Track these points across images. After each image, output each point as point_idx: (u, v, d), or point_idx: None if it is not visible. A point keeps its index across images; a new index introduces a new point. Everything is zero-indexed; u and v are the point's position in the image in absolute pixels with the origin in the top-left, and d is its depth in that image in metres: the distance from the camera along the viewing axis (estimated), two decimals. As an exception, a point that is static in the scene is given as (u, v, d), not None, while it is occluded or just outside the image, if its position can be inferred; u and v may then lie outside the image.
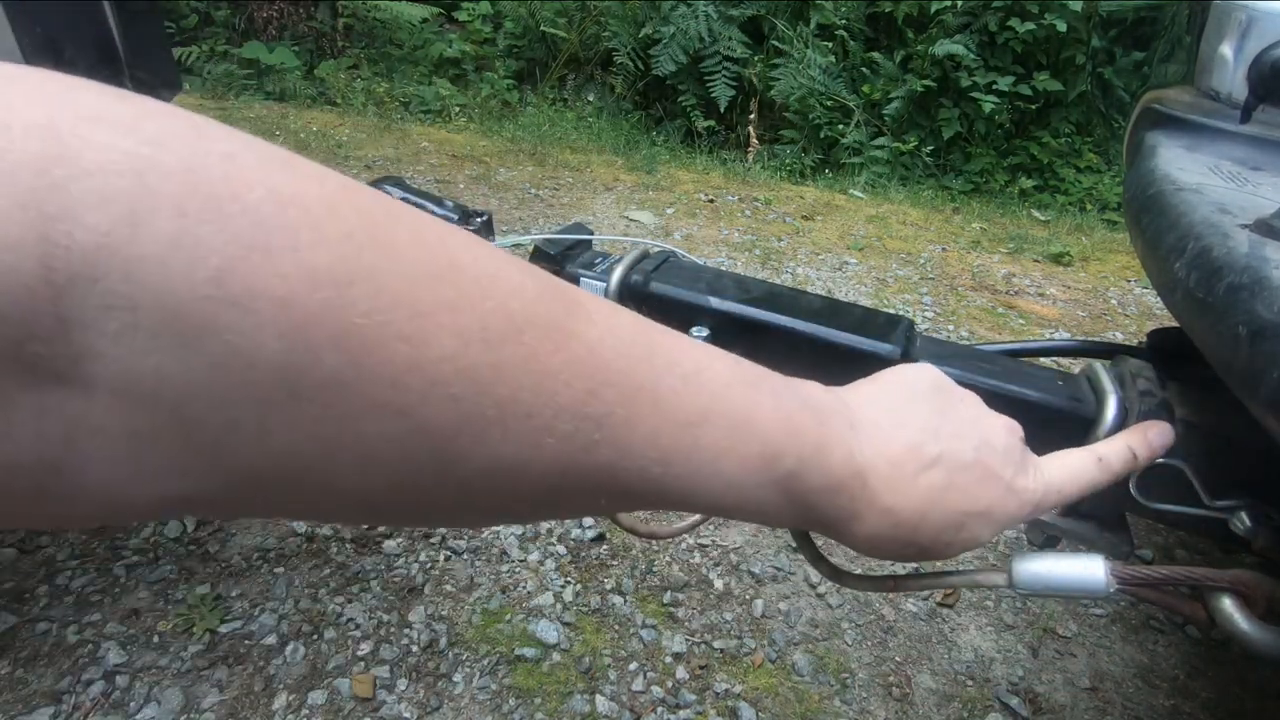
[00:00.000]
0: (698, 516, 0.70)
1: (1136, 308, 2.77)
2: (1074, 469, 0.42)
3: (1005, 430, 0.39)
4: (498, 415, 0.22)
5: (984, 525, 0.37)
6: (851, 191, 3.90)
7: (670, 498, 0.30)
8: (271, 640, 1.16)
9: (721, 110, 4.32)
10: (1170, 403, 0.56)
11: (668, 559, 1.39)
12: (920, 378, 0.39)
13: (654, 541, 1.43)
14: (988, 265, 3.03)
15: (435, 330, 0.21)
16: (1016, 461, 0.39)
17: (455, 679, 1.13)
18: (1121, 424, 0.57)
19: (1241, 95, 0.70)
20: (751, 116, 4.35)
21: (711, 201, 3.45)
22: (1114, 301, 2.80)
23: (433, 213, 0.73)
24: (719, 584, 1.35)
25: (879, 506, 0.34)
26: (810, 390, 0.35)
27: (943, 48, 3.86)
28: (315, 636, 1.17)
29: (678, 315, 0.67)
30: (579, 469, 0.25)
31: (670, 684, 1.16)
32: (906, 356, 0.62)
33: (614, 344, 0.26)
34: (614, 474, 0.26)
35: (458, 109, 4.40)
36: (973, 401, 0.40)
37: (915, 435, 0.35)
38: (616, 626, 1.25)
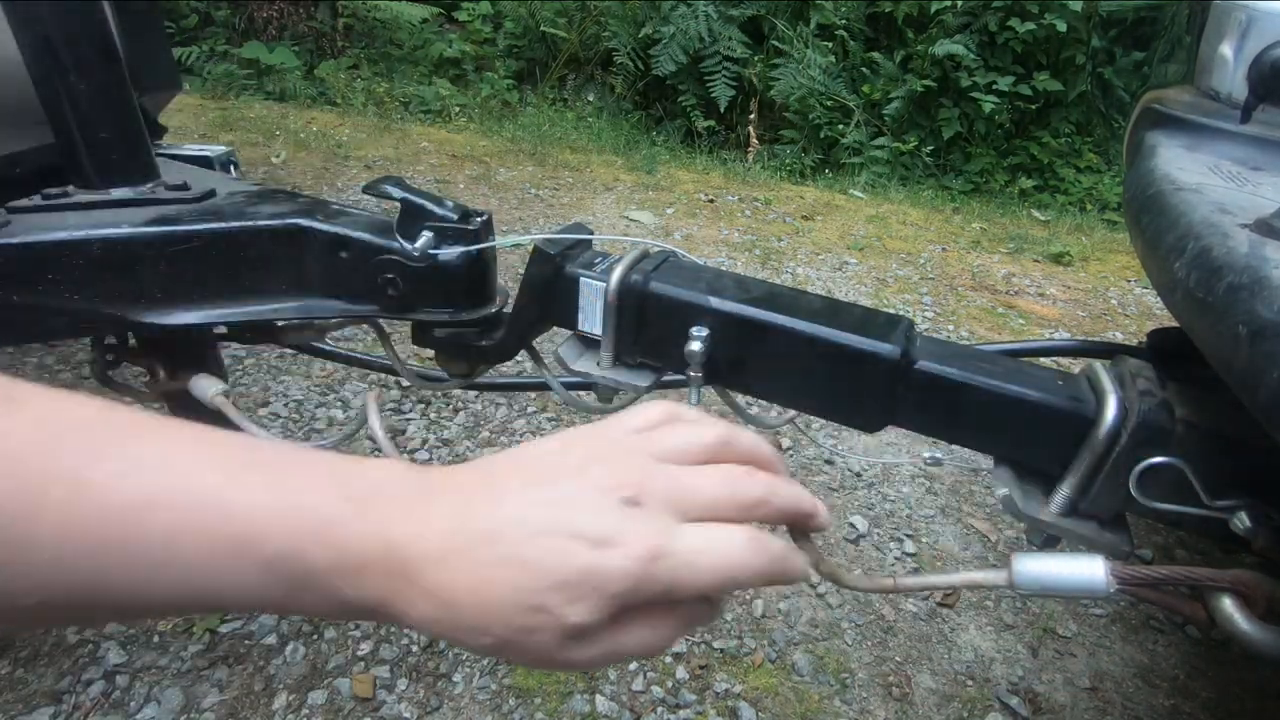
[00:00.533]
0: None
1: (1136, 308, 2.77)
2: (719, 546, 0.32)
3: (608, 489, 0.32)
4: None
5: (571, 601, 0.29)
6: (851, 191, 3.90)
7: (135, 593, 0.29)
8: (271, 640, 1.16)
9: (721, 110, 4.31)
10: (1170, 403, 0.56)
11: (668, 559, 1.39)
12: (547, 449, 0.34)
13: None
14: (988, 265, 3.03)
15: None
16: (612, 514, 0.31)
17: (455, 679, 1.13)
18: (1121, 424, 0.57)
19: (1241, 95, 0.70)
20: (751, 116, 4.35)
21: (711, 201, 3.45)
22: (1114, 301, 2.80)
23: (433, 213, 0.73)
24: (719, 584, 1.35)
25: (421, 586, 0.30)
26: (363, 469, 0.33)
27: (943, 48, 3.86)
28: (315, 636, 1.17)
29: (678, 315, 0.67)
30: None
31: (670, 684, 1.16)
32: (906, 356, 0.62)
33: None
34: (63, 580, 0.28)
35: (458, 109, 4.40)
36: (587, 466, 0.33)
37: (482, 508, 0.31)
38: (616, 626, 1.25)
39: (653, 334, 0.69)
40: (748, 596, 1.33)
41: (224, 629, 1.16)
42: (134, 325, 0.78)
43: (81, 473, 0.28)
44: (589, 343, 0.74)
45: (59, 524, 0.27)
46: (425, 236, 0.71)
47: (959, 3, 3.89)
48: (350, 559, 0.30)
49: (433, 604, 0.30)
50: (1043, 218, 3.77)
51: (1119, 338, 2.54)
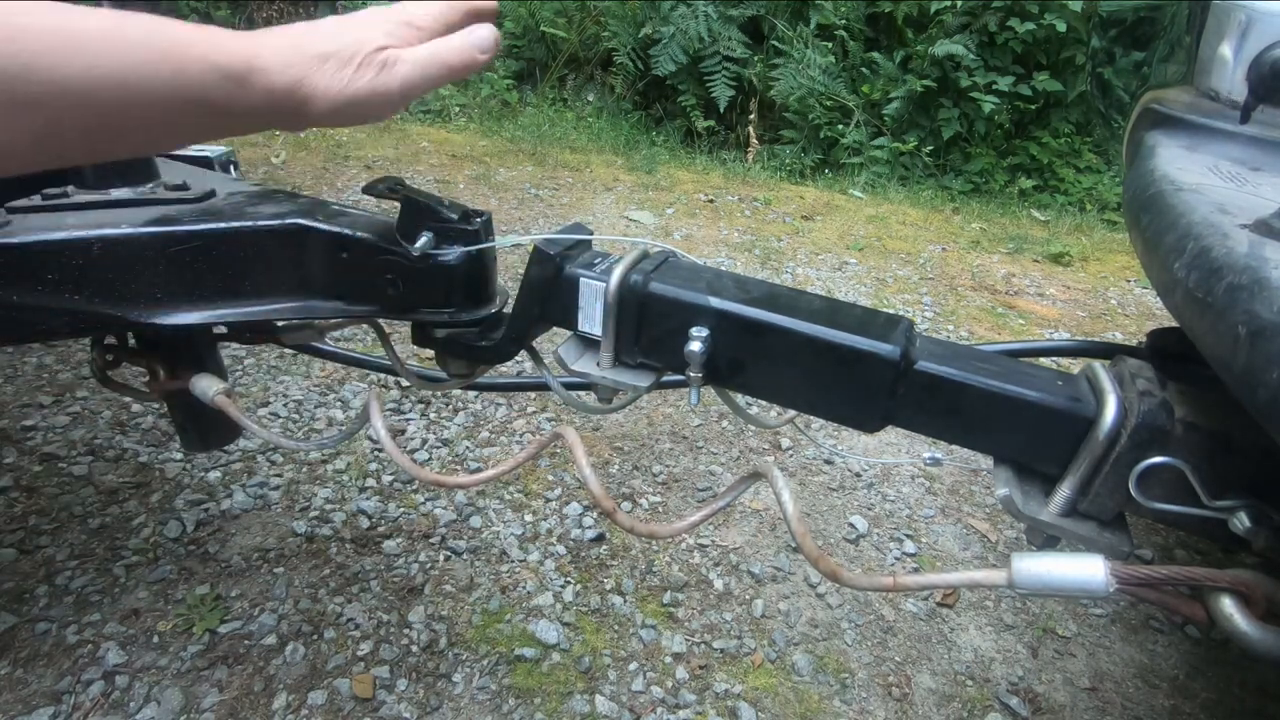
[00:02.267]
0: (697, 516, 0.70)
1: (1136, 308, 2.77)
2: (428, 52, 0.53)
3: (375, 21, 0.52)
4: None
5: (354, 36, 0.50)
6: (851, 191, 3.90)
7: (19, 80, 0.38)
8: (271, 640, 1.16)
9: (721, 110, 4.32)
10: (1170, 403, 0.56)
11: (667, 559, 1.39)
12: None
13: (653, 541, 1.43)
14: (987, 265, 3.03)
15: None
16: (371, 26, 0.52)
17: (455, 679, 1.13)
18: (1121, 424, 0.57)
19: (1241, 95, 0.70)
20: (751, 116, 4.35)
21: (711, 201, 3.45)
22: (1114, 301, 2.81)
23: (433, 213, 0.73)
24: (719, 584, 1.35)
25: (271, 45, 0.47)
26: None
27: (942, 48, 3.86)
28: (315, 636, 1.17)
29: (677, 315, 0.67)
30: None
31: (670, 684, 1.16)
32: (906, 357, 0.62)
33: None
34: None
35: (457, 109, 4.40)
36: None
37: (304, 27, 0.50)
38: (616, 626, 1.25)
39: (652, 334, 0.69)
40: (748, 596, 1.33)
41: (224, 629, 1.16)
42: (134, 325, 0.78)
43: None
44: (589, 343, 0.74)
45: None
46: (425, 237, 0.71)
47: (959, 3, 3.89)
48: (223, 46, 0.45)
49: (280, 58, 0.47)
50: (1042, 218, 3.77)
51: (1119, 338, 2.54)
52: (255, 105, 0.46)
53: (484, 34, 0.54)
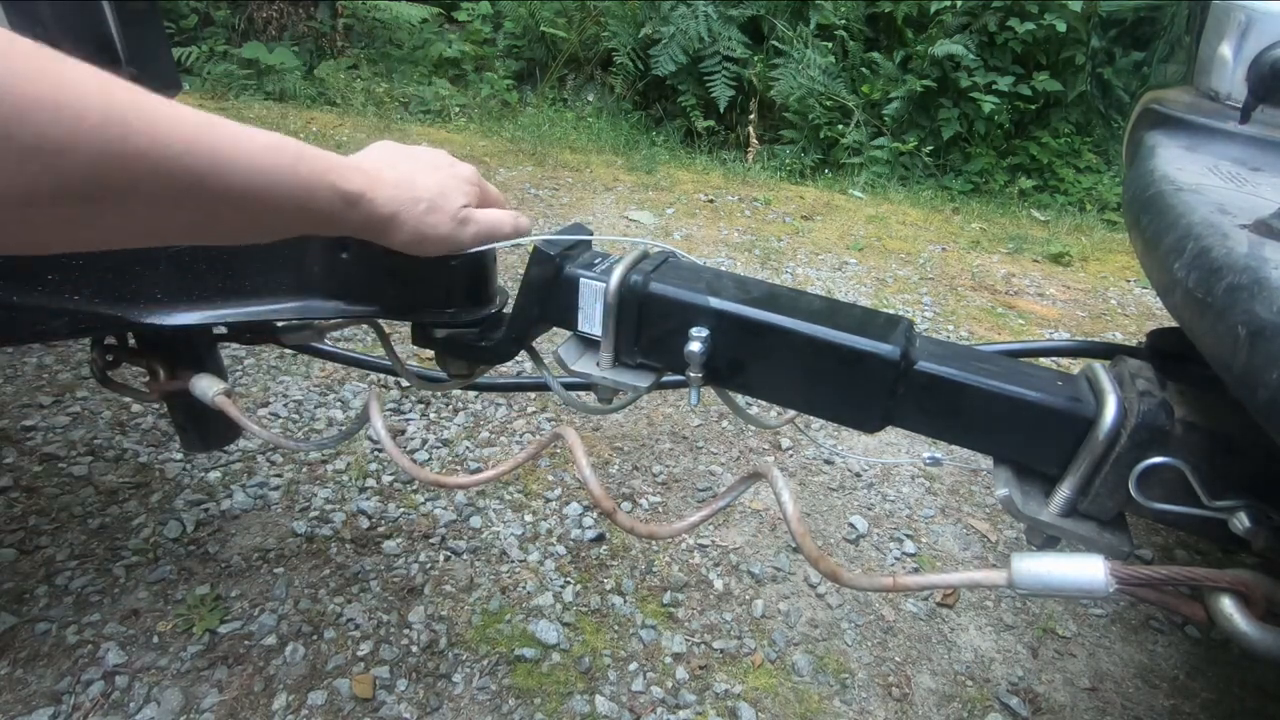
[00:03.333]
0: (697, 516, 0.70)
1: (1136, 308, 2.77)
2: (494, 217, 0.69)
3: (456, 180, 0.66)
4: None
5: (435, 199, 0.63)
6: (851, 191, 3.90)
7: (206, 179, 0.43)
8: (271, 640, 1.16)
9: (721, 110, 4.32)
10: (1169, 403, 0.56)
11: (667, 559, 1.39)
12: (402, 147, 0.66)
13: (653, 541, 1.43)
14: (987, 265, 3.03)
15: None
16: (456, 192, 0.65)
17: (455, 679, 1.13)
18: (1121, 424, 0.57)
19: (1241, 95, 0.70)
20: (751, 116, 4.35)
21: (711, 201, 3.46)
22: (1113, 302, 2.81)
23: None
24: (719, 584, 1.35)
25: (384, 181, 0.59)
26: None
27: (942, 48, 3.86)
28: (315, 637, 1.17)
29: (677, 315, 0.67)
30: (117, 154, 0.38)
31: (670, 684, 1.16)
32: (906, 357, 0.62)
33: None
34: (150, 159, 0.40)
35: (457, 109, 4.40)
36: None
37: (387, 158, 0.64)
38: (616, 627, 1.25)
39: (652, 334, 0.69)
40: (748, 597, 1.33)
41: (224, 629, 1.16)
42: (134, 325, 0.78)
43: (166, 104, 0.42)
44: (588, 343, 0.74)
45: (167, 128, 0.41)
46: (425, 237, 0.71)
47: (959, 3, 3.89)
48: (332, 165, 0.55)
49: (380, 194, 0.59)
50: (1042, 218, 3.77)
51: (1118, 338, 2.54)
52: (352, 222, 0.57)
53: (525, 221, 0.72)
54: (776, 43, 4.25)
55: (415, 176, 0.62)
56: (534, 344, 0.80)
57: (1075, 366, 0.93)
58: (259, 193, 0.47)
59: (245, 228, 0.50)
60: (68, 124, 0.35)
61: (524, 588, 1.30)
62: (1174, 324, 0.62)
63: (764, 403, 0.72)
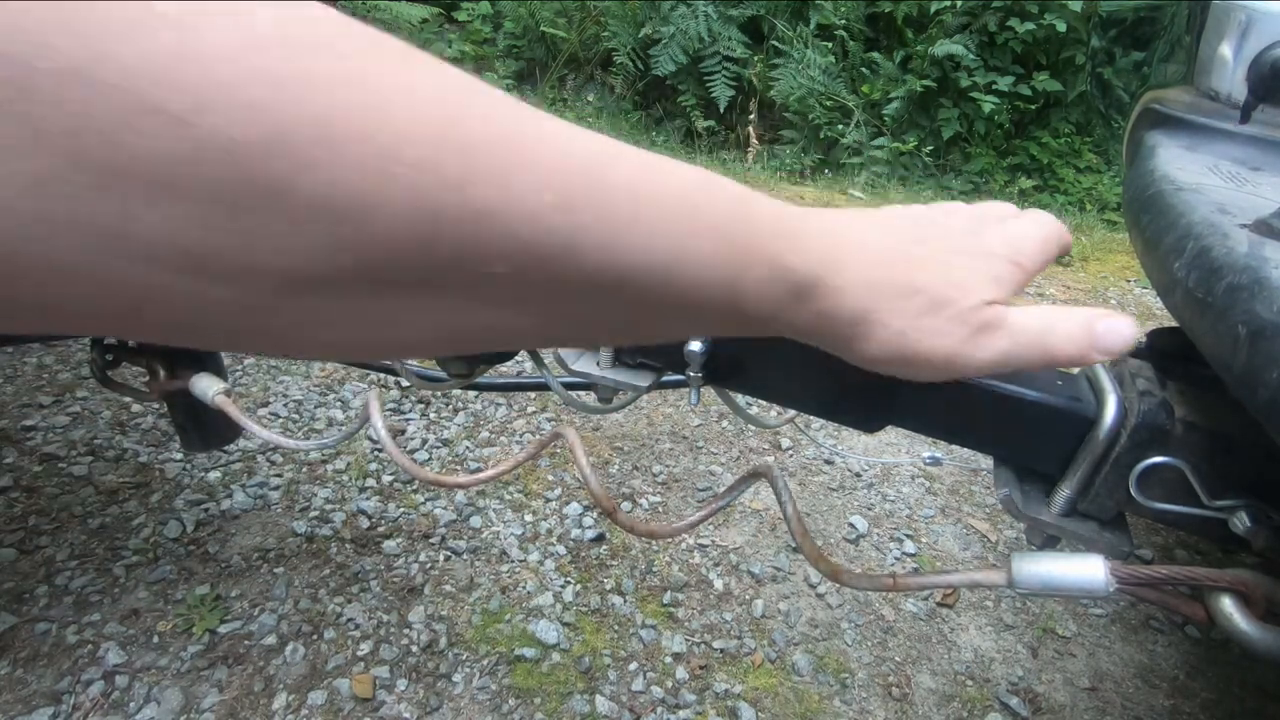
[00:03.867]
0: (697, 516, 0.70)
1: (1136, 308, 2.77)
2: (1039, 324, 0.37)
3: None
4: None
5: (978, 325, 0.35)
6: (851, 191, 3.90)
7: (604, 255, 0.24)
8: (271, 640, 1.16)
9: (721, 110, 4.32)
10: (1170, 403, 0.56)
11: (667, 559, 1.39)
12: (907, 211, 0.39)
13: (653, 541, 1.43)
14: (987, 265, 3.03)
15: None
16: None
17: (455, 679, 1.13)
18: (1121, 424, 0.57)
19: (1241, 95, 0.70)
20: (751, 116, 4.35)
21: (711, 201, 3.45)
22: (1113, 302, 2.81)
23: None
24: (719, 584, 1.35)
25: (858, 261, 0.33)
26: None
27: (942, 48, 3.86)
28: (315, 636, 1.17)
29: None
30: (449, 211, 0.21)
31: (670, 684, 1.16)
32: None
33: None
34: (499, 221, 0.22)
35: (457, 109, 4.40)
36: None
37: (895, 245, 0.35)
38: (616, 626, 1.25)
39: None
40: (748, 596, 1.33)
41: (224, 629, 1.16)
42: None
43: (534, 123, 0.24)
44: (589, 343, 0.74)
45: (530, 171, 0.22)
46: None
47: (958, 3, 3.89)
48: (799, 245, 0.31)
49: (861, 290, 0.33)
50: (1042, 218, 3.77)
51: (1119, 338, 2.54)
52: (794, 322, 0.32)
53: (1122, 330, 0.38)
54: (776, 43, 4.25)
55: (912, 253, 0.35)
56: (534, 344, 0.79)
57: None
58: (649, 277, 0.26)
59: (598, 331, 0.32)
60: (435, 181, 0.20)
61: (524, 588, 1.30)
62: (1174, 324, 0.62)
63: (764, 402, 0.72)
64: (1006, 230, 0.39)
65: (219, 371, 0.95)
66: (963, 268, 0.35)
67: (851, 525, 1.53)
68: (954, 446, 0.67)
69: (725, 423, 1.82)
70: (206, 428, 1.05)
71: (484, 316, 0.25)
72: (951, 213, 0.39)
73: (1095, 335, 0.37)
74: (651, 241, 0.25)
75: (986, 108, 3.89)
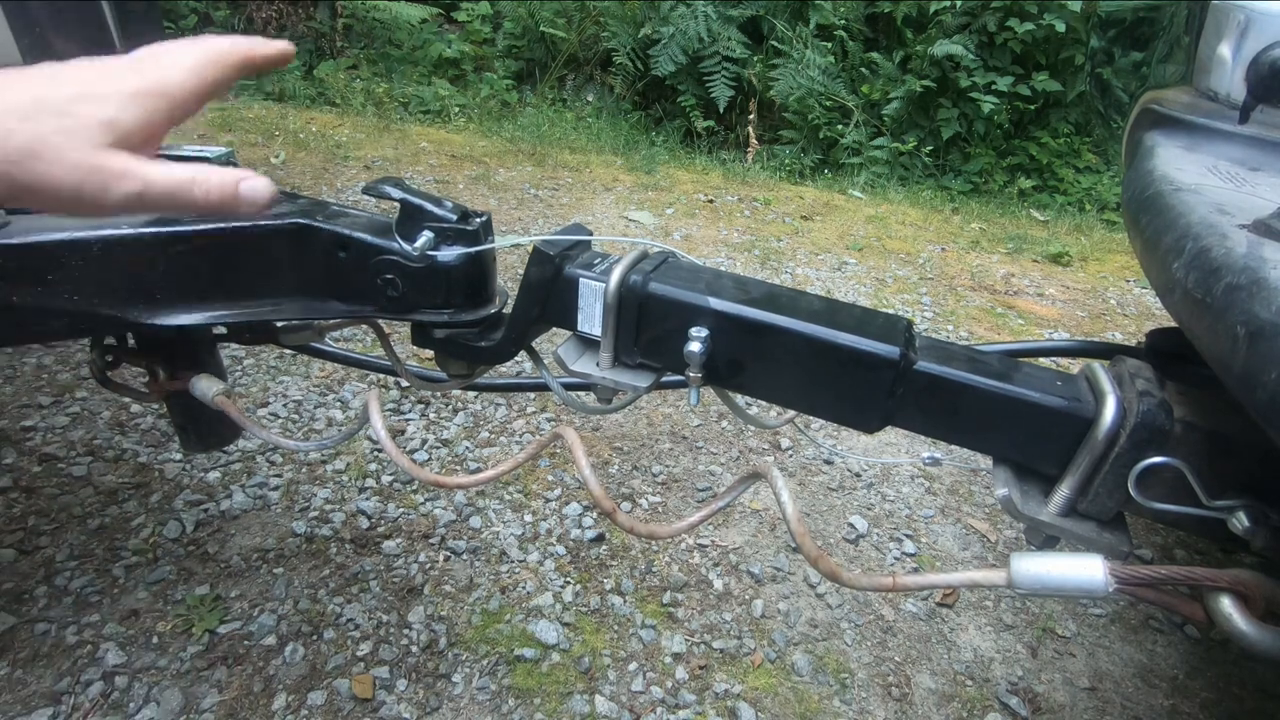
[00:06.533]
0: (696, 516, 0.70)
1: (1135, 308, 2.77)
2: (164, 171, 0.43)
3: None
4: None
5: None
6: (851, 192, 3.90)
7: None
8: (271, 641, 1.16)
9: (721, 110, 4.32)
10: (1169, 403, 0.56)
11: (667, 559, 1.39)
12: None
13: (653, 541, 1.43)
14: (987, 265, 3.03)
15: None
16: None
17: (455, 679, 1.13)
18: (1120, 424, 0.57)
19: (1240, 96, 0.70)
20: (751, 117, 4.35)
21: (711, 202, 3.45)
22: (1113, 302, 2.81)
23: (432, 213, 0.73)
24: (718, 584, 1.35)
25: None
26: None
27: (942, 48, 3.86)
28: (314, 637, 1.17)
29: (677, 315, 0.67)
30: None
31: (670, 684, 1.16)
32: (905, 357, 0.62)
33: None
34: None
35: (457, 109, 4.40)
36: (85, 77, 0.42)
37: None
38: (616, 627, 1.25)
39: (652, 335, 0.69)
40: (747, 597, 1.33)
41: (223, 630, 1.16)
42: (133, 325, 0.78)
43: None
44: (588, 343, 0.74)
45: None
46: (424, 237, 0.71)
47: (958, 3, 3.89)
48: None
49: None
50: (1042, 218, 3.77)
51: (1118, 338, 2.54)
52: None
53: (261, 188, 0.46)
54: (776, 43, 4.25)
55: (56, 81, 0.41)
56: (534, 344, 0.80)
57: (1075, 366, 0.93)
58: None
59: None
60: None
61: (524, 588, 1.30)
62: (1173, 324, 0.62)
63: (763, 403, 0.72)
64: (142, 65, 0.44)
65: (219, 372, 0.95)
66: (62, 117, 0.39)
67: (851, 525, 1.53)
68: (954, 447, 0.67)
69: (725, 423, 1.82)
70: (206, 428, 1.05)
71: None
72: (92, 62, 0.43)
73: (240, 190, 0.45)
74: None
75: (986, 108, 3.89)
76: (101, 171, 0.40)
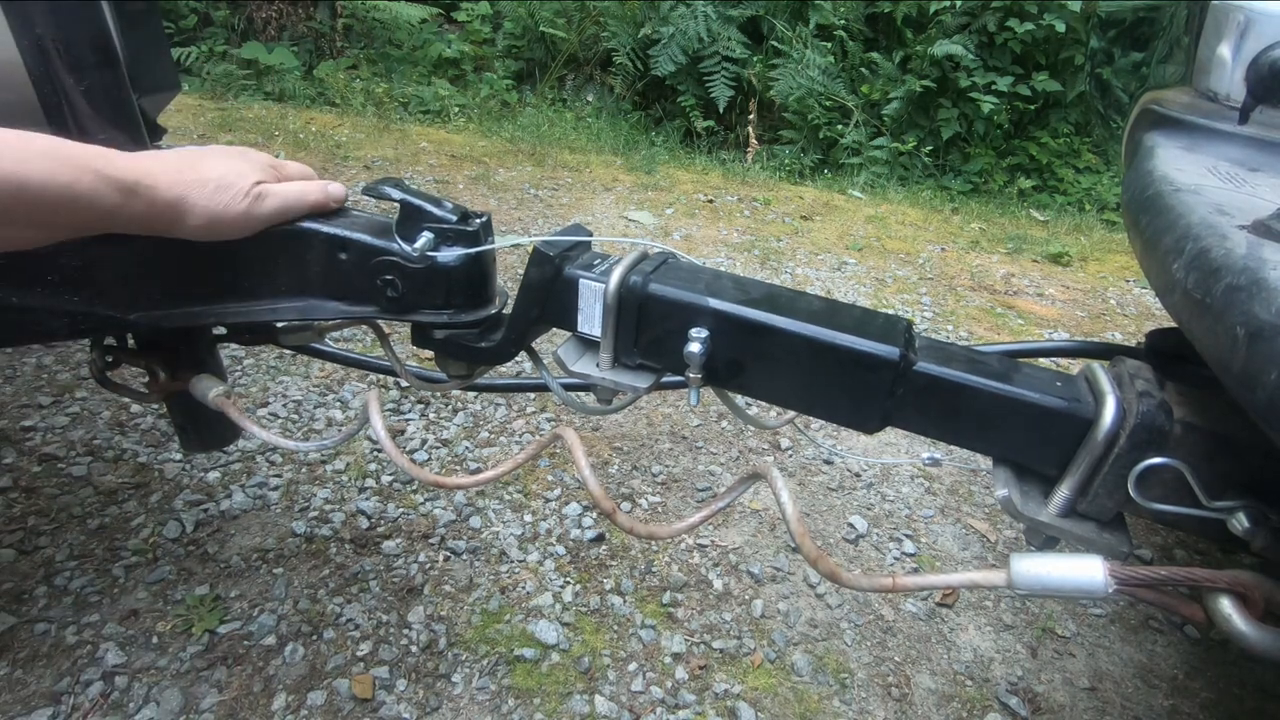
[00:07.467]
0: (696, 516, 0.70)
1: (1135, 308, 2.77)
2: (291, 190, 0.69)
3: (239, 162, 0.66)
4: None
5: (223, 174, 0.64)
6: (850, 192, 3.90)
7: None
8: (270, 641, 1.16)
9: (720, 110, 4.32)
10: (1168, 403, 0.56)
11: (667, 559, 1.39)
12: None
13: (653, 541, 1.43)
14: (986, 265, 3.03)
15: None
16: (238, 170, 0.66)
17: (454, 679, 1.13)
18: (1120, 424, 0.57)
19: (1239, 96, 0.70)
20: (750, 117, 4.35)
21: (711, 202, 3.46)
22: (1113, 302, 2.81)
23: (432, 214, 0.73)
24: (718, 584, 1.35)
25: (161, 165, 0.60)
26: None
27: (941, 48, 3.87)
28: (314, 637, 1.17)
29: (677, 316, 0.67)
30: None
31: (669, 684, 1.16)
32: (905, 357, 0.62)
33: None
34: None
35: (457, 109, 4.40)
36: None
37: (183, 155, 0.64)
38: (616, 627, 1.25)
39: (652, 335, 0.69)
40: (747, 597, 1.33)
41: (223, 630, 1.16)
42: (133, 326, 0.78)
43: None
44: (588, 344, 0.74)
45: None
46: (424, 238, 0.71)
47: (958, 3, 3.89)
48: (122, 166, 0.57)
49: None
50: (1041, 218, 3.77)
51: (1117, 338, 2.54)
52: (135, 213, 0.57)
53: (338, 187, 0.74)
54: (776, 43, 4.26)
55: (199, 161, 0.62)
56: (534, 345, 0.80)
57: (1074, 367, 0.93)
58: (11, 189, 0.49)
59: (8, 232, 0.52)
60: None
61: (523, 588, 1.30)
62: (1173, 324, 0.62)
63: (763, 403, 0.72)
64: (250, 152, 0.68)
65: (219, 372, 0.95)
66: (235, 167, 0.63)
67: (851, 525, 1.53)
68: (953, 447, 0.68)
69: (725, 423, 1.82)
70: (206, 428, 1.05)
71: None
72: (214, 146, 0.67)
73: (328, 191, 0.72)
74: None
75: (986, 108, 3.89)
76: (258, 196, 0.67)
